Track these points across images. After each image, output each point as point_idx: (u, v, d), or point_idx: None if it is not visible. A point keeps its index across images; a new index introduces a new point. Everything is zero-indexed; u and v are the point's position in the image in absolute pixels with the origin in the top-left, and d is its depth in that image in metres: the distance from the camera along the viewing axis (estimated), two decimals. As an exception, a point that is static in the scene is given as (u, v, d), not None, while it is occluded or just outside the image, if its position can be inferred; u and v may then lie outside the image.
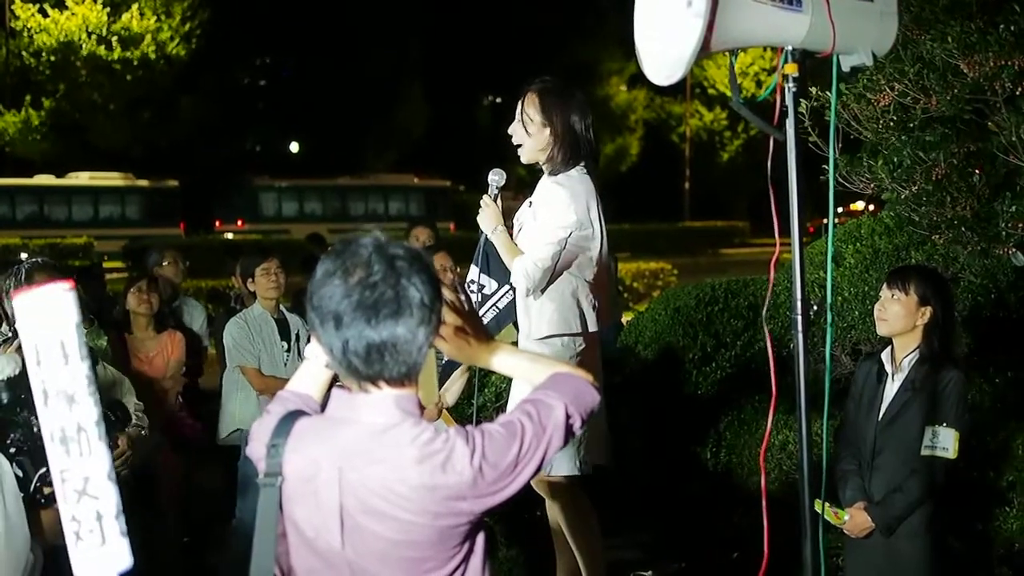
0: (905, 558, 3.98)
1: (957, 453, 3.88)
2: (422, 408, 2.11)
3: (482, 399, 5.31)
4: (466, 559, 2.10)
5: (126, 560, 1.71)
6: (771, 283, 3.52)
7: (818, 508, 3.78)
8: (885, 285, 4.06)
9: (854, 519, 3.96)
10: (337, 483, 2.05)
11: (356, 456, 2.05)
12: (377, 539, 2.05)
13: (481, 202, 4.48)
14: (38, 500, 3.45)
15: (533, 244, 4.32)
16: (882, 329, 4.06)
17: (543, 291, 4.34)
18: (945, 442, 3.88)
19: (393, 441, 2.03)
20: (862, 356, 4.47)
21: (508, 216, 4.54)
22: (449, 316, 2.25)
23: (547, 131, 4.35)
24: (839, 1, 3.12)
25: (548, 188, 4.38)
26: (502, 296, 4.68)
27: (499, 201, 4.49)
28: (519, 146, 4.46)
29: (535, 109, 4.37)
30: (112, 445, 4.37)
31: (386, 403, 2.06)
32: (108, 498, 1.69)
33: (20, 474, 3.42)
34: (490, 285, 4.70)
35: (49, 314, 1.67)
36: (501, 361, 2.36)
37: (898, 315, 3.99)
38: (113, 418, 4.39)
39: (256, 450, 2.18)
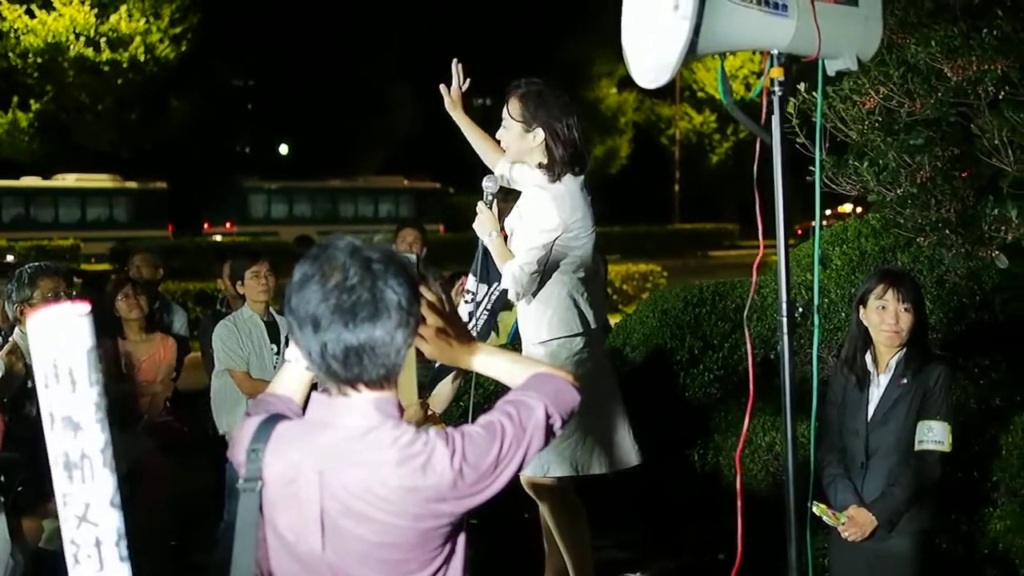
0: (892, 558, 3.97)
1: (951, 446, 3.91)
2: (402, 410, 2.11)
3: (475, 399, 5.28)
4: (447, 561, 2.10)
5: None
6: (754, 285, 3.53)
7: (816, 511, 3.79)
8: (892, 296, 3.97)
9: (855, 518, 3.93)
10: (318, 486, 2.05)
11: (336, 459, 2.04)
12: (358, 541, 2.05)
13: (477, 208, 4.45)
14: (19, 505, 3.43)
15: (519, 250, 4.30)
16: (895, 341, 3.99)
17: (535, 295, 4.33)
18: (940, 435, 3.90)
19: (373, 443, 2.03)
20: (834, 362, 4.44)
21: (503, 219, 4.52)
22: (430, 317, 2.25)
23: (529, 135, 4.32)
24: (825, 6, 3.14)
25: (532, 192, 4.36)
26: (488, 295, 4.65)
27: (494, 207, 4.45)
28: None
29: (517, 112, 4.34)
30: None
31: (366, 406, 2.06)
32: (108, 525, 1.67)
33: (1, 479, 3.40)
34: (480, 291, 4.67)
35: (61, 338, 1.63)
36: (482, 362, 2.36)
37: (910, 326, 3.99)
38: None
39: (237, 454, 2.17)
